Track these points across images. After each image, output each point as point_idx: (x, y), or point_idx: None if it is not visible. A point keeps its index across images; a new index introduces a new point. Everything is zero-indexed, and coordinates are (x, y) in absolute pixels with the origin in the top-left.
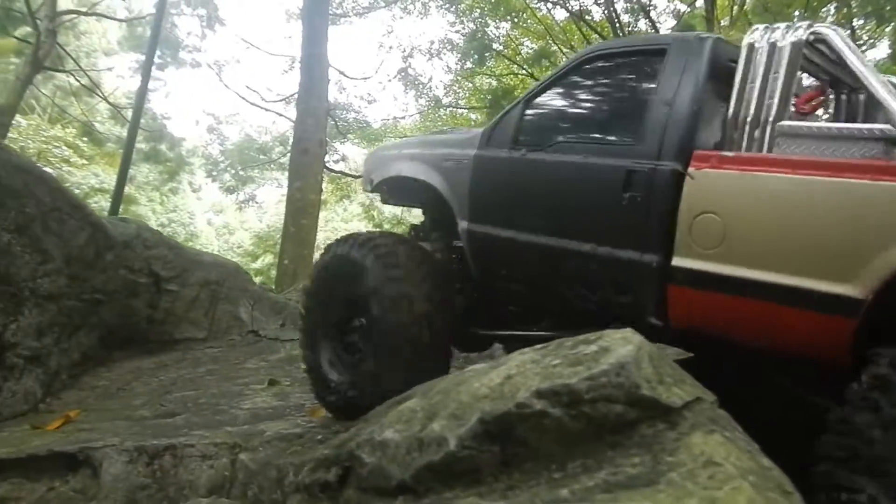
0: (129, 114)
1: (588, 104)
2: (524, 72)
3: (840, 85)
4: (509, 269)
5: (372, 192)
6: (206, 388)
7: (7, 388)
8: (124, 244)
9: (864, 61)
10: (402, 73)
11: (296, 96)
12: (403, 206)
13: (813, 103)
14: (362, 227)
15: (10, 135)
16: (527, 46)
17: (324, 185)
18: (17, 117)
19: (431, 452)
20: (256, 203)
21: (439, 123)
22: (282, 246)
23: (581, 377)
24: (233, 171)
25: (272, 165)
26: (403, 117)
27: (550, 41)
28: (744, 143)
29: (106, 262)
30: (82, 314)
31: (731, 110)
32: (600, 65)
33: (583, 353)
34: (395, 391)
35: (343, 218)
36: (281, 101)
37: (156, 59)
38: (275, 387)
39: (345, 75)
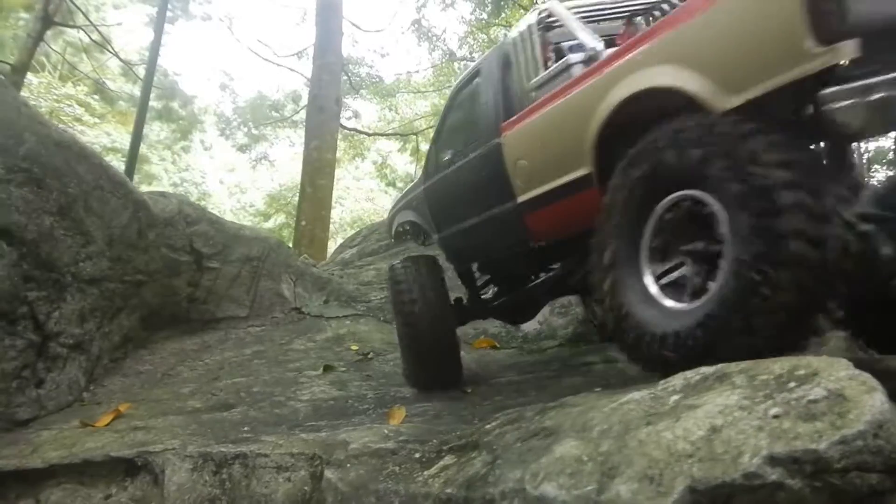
0: (140, 70)
1: (460, 123)
2: None
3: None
4: (462, 253)
5: (396, 238)
6: (257, 375)
7: (51, 379)
8: (166, 221)
9: (574, 20)
10: (416, 25)
11: (308, 50)
12: (418, 243)
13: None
14: (374, 185)
15: (21, 93)
16: None
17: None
18: (29, 75)
19: None
20: (269, 161)
21: (453, 78)
22: (299, 206)
23: (831, 441)
24: (245, 130)
25: (284, 123)
26: (417, 71)
27: None
28: (524, 106)
29: (148, 242)
30: (124, 296)
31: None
32: (460, 94)
33: (810, 401)
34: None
35: (355, 176)
36: (294, 55)
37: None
38: (330, 373)
39: (358, 27)
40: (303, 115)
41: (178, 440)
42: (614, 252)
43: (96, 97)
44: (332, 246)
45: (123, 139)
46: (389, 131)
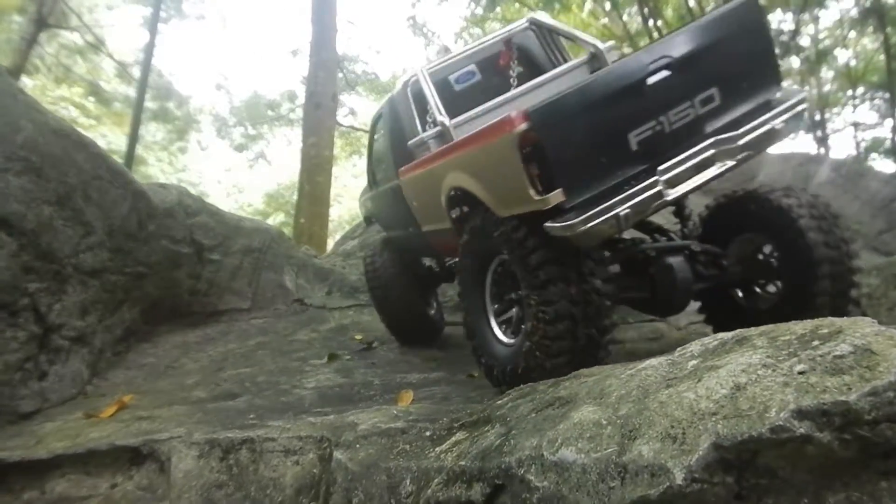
0: (135, 71)
1: (377, 155)
2: None
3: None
4: (405, 250)
5: (367, 223)
6: (261, 365)
7: (54, 371)
8: (166, 212)
9: (431, 91)
10: (411, 21)
11: (304, 48)
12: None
13: (501, 62)
14: None
15: None
16: None
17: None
18: (23, 78)
19: (643, 485)
20: (266, 160)
21: None
22: (297, 204)
23: (861, 393)
24: (242, 129)
25: (281, 121)
26: (412, 67)
27: None
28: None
29: (148, 233)
30: (125, 288)
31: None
32: (375, 129)
33: (836, 357)
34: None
35: (353, 173)
36: (289, 53)
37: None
38: (335, 362)
39: (353, 24)
40: (299, 113)
41: (184, 428)
42: (471, 299)
43: (91, 99)
44: (330, 244)
45: (120, 141)
46: None
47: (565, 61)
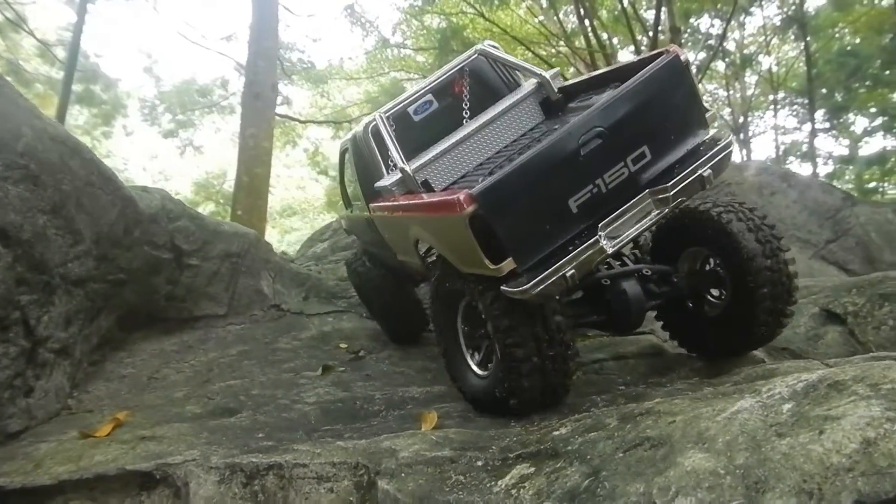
0: (58, 51)
1: (350, 183)
2: (473, 10)
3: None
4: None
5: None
6: (251, 377)
7: (39, 387)
8: (151, 218)
9: (389, 137)
10: (349, 11)
11: (238, 34)
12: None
13: (456, 90)
14: (305, 173)
15: None
16: None
17: None
18: None
19: None
20: (195, 148)
21: (386, 66)
22: (234, 195)
23: None
24: (171, 116)
25: (213, 109)
26: (350, 58)
27: None
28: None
29: (132, 239)
30: (105, 296)
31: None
32: (344, 158)
33: None
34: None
35: (286, 164)
36: (223, 39)
37: None
38: (329, 374)
39: (290, 11)
40: (232, 101)
41: (197, 450)
42: (446, 338)
43: (10, 79)
44: (267, 236)
45: None
46: (322, 118)
47: (516, 82)
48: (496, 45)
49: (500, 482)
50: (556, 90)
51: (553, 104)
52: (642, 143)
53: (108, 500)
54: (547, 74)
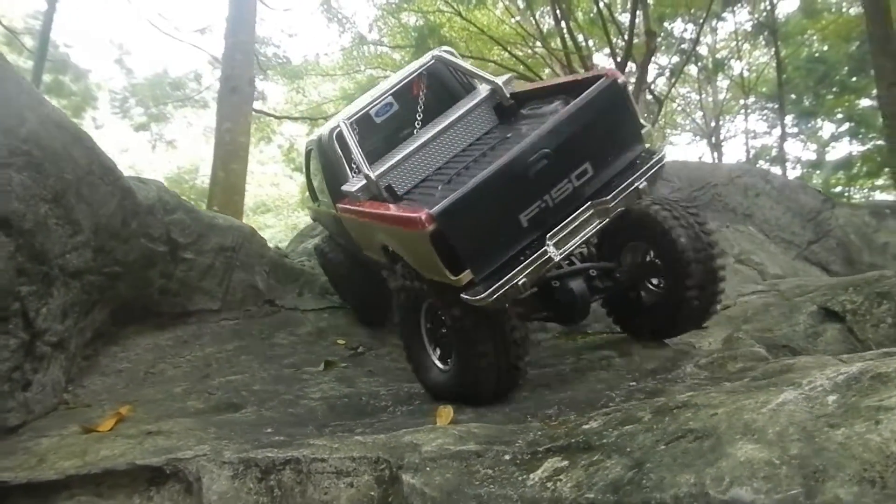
0: (26, 40)
1: (316, 180)
2: (450, 9)
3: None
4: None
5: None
6: (250, 372)
7: (37, 380)
8: (148, 209)
9: (355, 144)
10: (326, 6)
11: (213, 27)
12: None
13: (414, 92)
14: (279, 169)
15: None
16: None
17: None
18: None
19: None
20: (167, 143)
21: (362, 63)
22: (210, 192)
23: None
24: (143, 109)
25: (186, 102)
26: (326, 54)
27: None
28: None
29: (130, 231)
30: (101, 289)
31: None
32: (310, 158)
33: None
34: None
35: (260, 160)
36: (197, 31)
37: None
38: (332, 370)
39: (266, 6)
40: (206, 95)
41: (207, 445)
42: (410, 333)
43: None
44: None
45: None
46: (297, 114)
47: (471, 84)
48: (452, 51)
49: (532, 475)
50: (508, 96)
51: (506, 109)
52: (585, 161)
53: (116, 495)
54: (499, 81)
